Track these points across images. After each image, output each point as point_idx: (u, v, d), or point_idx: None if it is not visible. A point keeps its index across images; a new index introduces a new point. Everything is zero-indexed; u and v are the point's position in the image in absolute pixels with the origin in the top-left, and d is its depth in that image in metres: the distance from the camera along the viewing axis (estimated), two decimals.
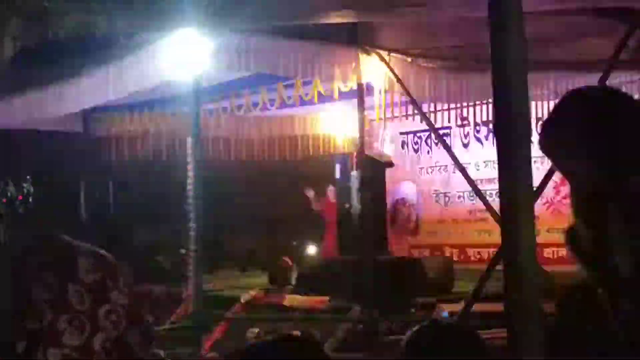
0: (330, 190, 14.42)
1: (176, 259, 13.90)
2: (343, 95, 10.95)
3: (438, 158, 15.88)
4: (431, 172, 16.46)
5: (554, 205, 13.63)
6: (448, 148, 10.42)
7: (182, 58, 9.11)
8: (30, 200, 12.01)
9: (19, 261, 1.58)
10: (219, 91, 12.08)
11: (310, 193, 14.77)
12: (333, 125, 15.15)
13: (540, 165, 2.93)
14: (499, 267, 7.87)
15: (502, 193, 2.15)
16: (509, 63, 2.08)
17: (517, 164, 2.08)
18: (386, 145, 16.47)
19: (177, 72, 9.42)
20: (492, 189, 12.04)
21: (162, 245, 15.34)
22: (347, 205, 11.68)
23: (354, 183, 11.00)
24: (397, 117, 12.01)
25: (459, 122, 14.30)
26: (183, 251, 12.26)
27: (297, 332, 11.09)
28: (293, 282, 12.98)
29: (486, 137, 14.84)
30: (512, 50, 2.08)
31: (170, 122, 13.30)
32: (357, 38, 10.15)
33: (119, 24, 8.02)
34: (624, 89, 11.84)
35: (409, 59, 10.77)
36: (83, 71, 10.39)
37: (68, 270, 1.54)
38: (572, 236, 2.23)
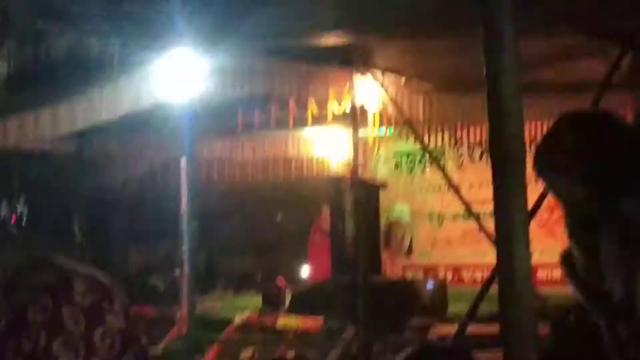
0: (324, 211, 14.42)
1: (170, 280, 13.85)
2: (337, 116, 10.96)
3: (432, 179, 15.89)
4: (425, 193, 16.46)
5: (548, 226, 13.63)
6: (442, 169, 10.43)
7: (176, 79, 9.13)
8: (24, 221, 11.97)
9: (13, 282, 1.58)
10: (212, 112, 12.07)
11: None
12: (327, 146, 15.17)
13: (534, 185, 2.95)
14: (493, 288, 7.87)
15: (497, 214, 2.15)
16: (503, 84, 2.09)
17: (512, 185, 2.08)
18: (380, 167, 16.48)
19: (171, 92, 9.44)
20: (485, 210, 12.04)
21: (155, 266, 15.31)
22: (340, 227, 11.67)
23: (348, 204, 10.98)
24: (390, 138, 12.04)
25: (453, 143, 14.33)
26: (177, 272, 12.24)
27: (291, 354, 11.06)
28: (287, 303, 12.94)
29: (480, 158, 14.86)
30: (506, 72, 2.09)
31: (163, 143, 13.30)
32: (351, 59, 10.17)
33: (112, 44, 8.04)
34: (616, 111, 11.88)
35: (403, 80, 10.80)
36: (77, 92, 10.40)
37: (63, 293, 1.54)
38: (566, 259, 2.23)
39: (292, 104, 11.15)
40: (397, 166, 16.96)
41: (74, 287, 1.54)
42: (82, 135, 13.64)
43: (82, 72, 9.45)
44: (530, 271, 2.08)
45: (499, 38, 2.10)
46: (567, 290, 2.40)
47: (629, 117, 12.42)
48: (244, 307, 13.27)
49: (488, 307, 9.14)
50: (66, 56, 8.09)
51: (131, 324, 1.60)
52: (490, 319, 9.81)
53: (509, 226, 2.10)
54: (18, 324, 1.50)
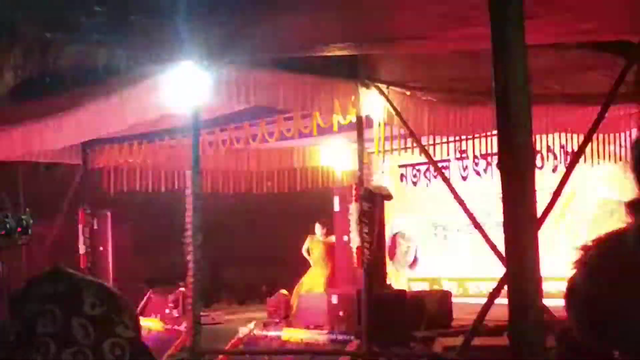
0: (317, 228, 14.41)
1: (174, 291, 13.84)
2: (342, 128, 10.97)
3: (437, 191, 15.88)
4: (429, 205, 16.44)
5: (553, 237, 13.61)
6: (447, 181, 10.41)
7: (182, 90, 9.13)
8: (29, 232, 11.94)
9: (23, 293, 1.57)
10: (218, 123, 12.09)
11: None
12: (332, 158, 15.17)
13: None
14: (498, 301, 7.85)
15: (506, 225, 2.14)
16: (512, 96, 2.08)
17: (521, 196, 2.07)
18: (385, 178, 16.47)
19: (177, 104, 9.44)
20: (490, 222, 12.02)
21: (160, 277, 15.29)
22: (345, 238, 11.65)
23: (353, 216, 10.97)
24: (396, 149, 12.03)
25: (458, 155, 14.32)
26: (182, 283, 12.23)
27: None
28: (292, 315, 12.93)
29: (485, 170, 14.86)
30: (516, 84, 2.09)
31: (169, 154, 13.31)
32: (356, 71, 10.19)
33: (119, 55, 8.05)
34: (622, 122, 11.87)
35: (408, 92, 10.80)
36: (83, 103, 10.42)
37: (73, 304, 1.53)
38: None
39: (297, 115, 11.16)
40: (402, 178, 16.95)
41: (83, 298, 1.54)
42: (88, 146, 13.68)
43: (88, 83, 9.47)
44: (540, 282, 2.07)
45: (509, 50, 2.09)
46: None
47: (634, 129, 12.43)
48: (249, 319, 13.25)
49: (493, 319, 9.12)
50: (73, 67, 8.11)
51: (140, 334, 1.59)
52: (495, 331, 9.79)
53: (519, 237, 2.09)
54: (28, 334, 1.50)
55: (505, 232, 2.21)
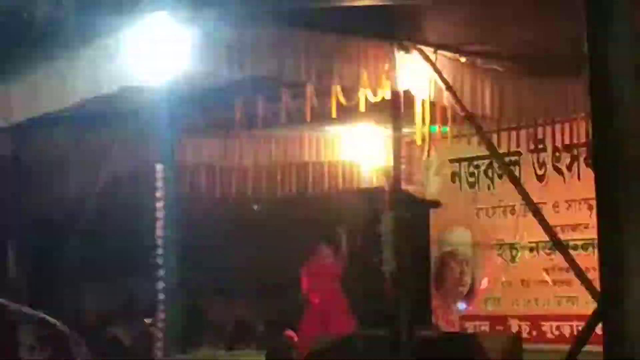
0: (322, 249, 14.47)
1: (139, 331, 13.91)
2: (372, 108, 10.98)
3: (502, 196, 15.88)
4: (492, 215, 16.44)
5: None
6: (517, 182, 10.41)
7: (152, 54, 9.15)
8: None
9: None
10: (201, 101, 12.12)
11: None
12: (357, 149, 15.19)
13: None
14: (587, 347, 7.84)
15: (602, 243, 2.13)
16: (612, 65, 2.06)
17: (625, 203, 2.06)
18: (430, 178, 16.48)
19: (145, 73, 9.46)
20: (578, 239, 12.00)
21: (119, 312, 15.38)
22: (375, 260, 11.69)
23: (386, 229, 11.00)
24: (446, 138, 12.03)
25: (532, 147, 14.30)
26: (149, 320, 12.29)
27: None
28: None
29: (569, 168, 14.85)
30: (618, 48, 2.06)
31: (133, 143, 13.35)
32: (392, 29, 10.20)
33: (65, 6, 8.09)
34: None
35: (463, 59, 10.81)
36: (15, 70, 10.47)
37: (6, 344, 1.55)
38: None
39: (310, 90, 11.17)
40: (454, 177, 16.95)
41: (20, 337, 1.55)
42: (21, 132, 13.72)
43: (23, 45, 9.51)
44: None
45: (609, 5, 2.07)
46: None
47: None
48: None
49: None
50: (1, 23, 8.14)
51: None
52: None
53: (620, 260, 2.08)
54: None
55: (600, 253, 2.20)
